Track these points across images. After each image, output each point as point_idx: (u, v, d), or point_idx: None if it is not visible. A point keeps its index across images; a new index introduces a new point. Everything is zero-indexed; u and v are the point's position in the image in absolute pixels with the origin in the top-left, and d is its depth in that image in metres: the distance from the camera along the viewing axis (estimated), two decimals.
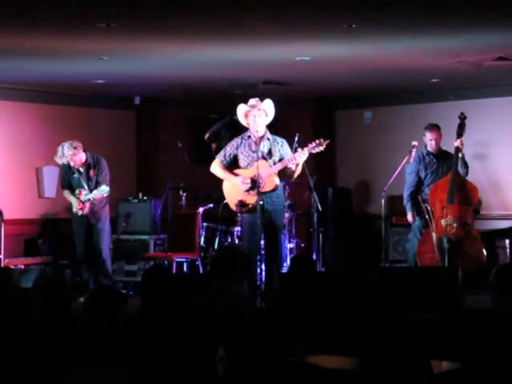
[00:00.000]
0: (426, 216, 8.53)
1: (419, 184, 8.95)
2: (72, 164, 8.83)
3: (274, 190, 7.88)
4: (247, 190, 7.86)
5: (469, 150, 10.14)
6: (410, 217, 8.96)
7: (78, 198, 8.81)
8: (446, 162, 8.89)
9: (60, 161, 8.83)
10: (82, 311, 4.14)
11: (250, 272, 5.06)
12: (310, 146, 7.81)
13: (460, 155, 8.78)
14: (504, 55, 8.29)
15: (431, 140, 8.91)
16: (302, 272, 5.31)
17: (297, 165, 7.84)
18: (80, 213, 8.81)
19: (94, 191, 8.74)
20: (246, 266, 5.03)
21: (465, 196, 8.73)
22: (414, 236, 8.94)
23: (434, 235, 8.52)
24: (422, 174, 8.94)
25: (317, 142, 7.82)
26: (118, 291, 4.46)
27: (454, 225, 8.61)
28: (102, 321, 4.04)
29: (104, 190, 8.70)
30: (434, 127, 8.97)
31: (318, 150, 7.82)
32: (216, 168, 8.09)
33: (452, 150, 8.86)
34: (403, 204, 9.04)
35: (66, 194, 9.03)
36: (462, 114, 9.00)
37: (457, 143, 8.79)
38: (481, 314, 4.28)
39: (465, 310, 6.79)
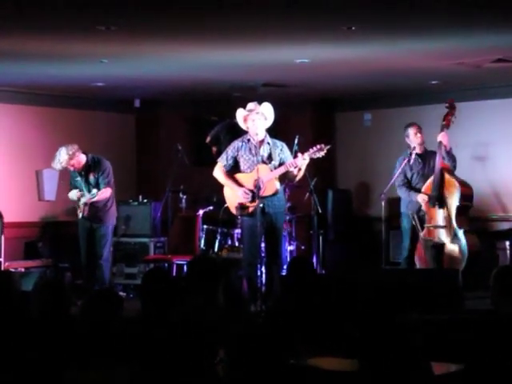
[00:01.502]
0: (413, 222, 8.43)
1: (409, 183, 8.76)
2: (71, 169, 8.68)
3: (275, 194, 7.87)
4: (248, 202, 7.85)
5: (469, 151, 10.15)
6: (420, 197, 8.53)
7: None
8: (431, 161, 8.63)
9: (56, 167, 8.63)
10: (79, 313, 4.14)
11: (223, 281, 4.90)
12: (311, 150, 7.76)
13: (445, 149, 8.44)
14: (503, 57, 8.29)
15: (416, 134, 8.66)
16: (299, 273, 5.30)
17: (299, 169, 7.80)
18: (81, 214, 8.75)
19: (87, 195, 8.60)
20: (218, 276, 4.89)
21: (446, 197, 8.46)
22: (405, 239, 8.78)
23: (422, 240, 8.43)
24: (409, 175, 8.75)
25: (318, 146, 7.77)
26: (114, 293, 4.45)
27: (439, 228, 8.44)
28: (98, 322, 4.04)
29: (93, 193, 8.50)
30: (414, 123, 8.76)
31: (318, 155, 7.77)
32: (219, 174, 8.05)
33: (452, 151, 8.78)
34: (406, 202, 8.75)
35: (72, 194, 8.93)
36: (447, 101, 8.69)
37: (439, 137, 8.48)
38: (481, 316, 4.29)
39: (465, 312, 6.80)
